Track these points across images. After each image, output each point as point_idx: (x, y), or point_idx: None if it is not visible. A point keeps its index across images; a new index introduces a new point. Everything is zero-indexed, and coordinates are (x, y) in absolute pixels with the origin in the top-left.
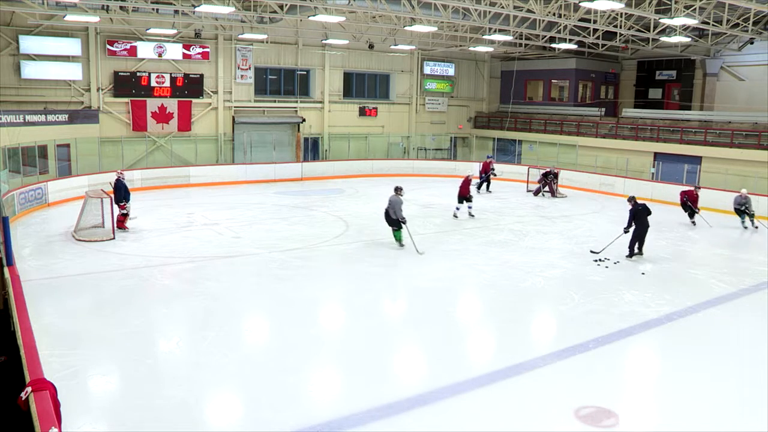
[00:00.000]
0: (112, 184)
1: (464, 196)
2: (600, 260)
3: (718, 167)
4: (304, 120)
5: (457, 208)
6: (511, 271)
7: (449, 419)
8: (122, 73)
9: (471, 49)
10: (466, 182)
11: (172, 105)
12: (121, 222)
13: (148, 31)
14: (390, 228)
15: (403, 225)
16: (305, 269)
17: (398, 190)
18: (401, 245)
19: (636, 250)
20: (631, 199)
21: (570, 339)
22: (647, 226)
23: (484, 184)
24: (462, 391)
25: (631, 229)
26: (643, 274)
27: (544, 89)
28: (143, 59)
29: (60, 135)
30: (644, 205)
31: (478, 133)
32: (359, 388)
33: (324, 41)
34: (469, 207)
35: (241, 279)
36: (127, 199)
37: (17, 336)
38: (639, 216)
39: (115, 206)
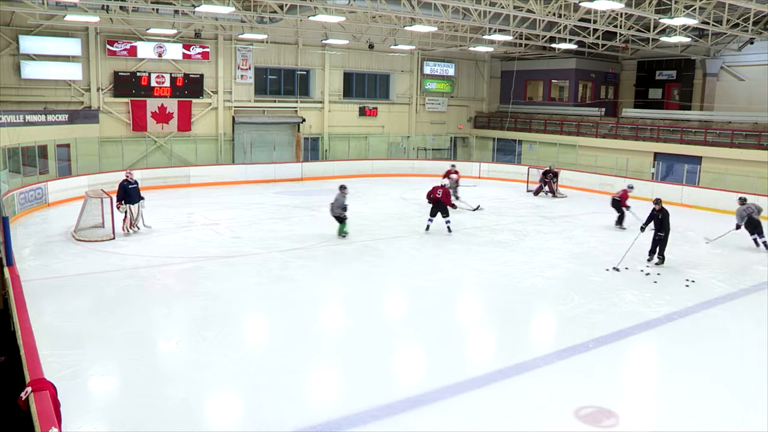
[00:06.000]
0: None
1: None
2: (617, 268)
3: (718, 167)
4: (304, 120)
5: (430, 221)
6: (511, 271)
7: (449, 419)
8: (122, 73)
9: (471, 49)
10: (442, 191)
11: (172, 105)
12: (122, 222)
13: (148, 31)
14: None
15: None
16: (305, 269)
17: (343, 188)
18: (346, 234)
19: (657, 259)
20: (658, 202)
21: (570, 339)
22: (669, 230)
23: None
24: (462, 391)
25: (651, 232)
26: (645, 274)
27: (544, 89)
28: (143, 59)
29: (60, 135)
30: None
31: (478, 133)
32: (359, 388)
33: (324, 41)
34: (447, 222)
35: (241, 279)
36: (127, 201)
37: (17, 336)
38: (664, 219)
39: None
